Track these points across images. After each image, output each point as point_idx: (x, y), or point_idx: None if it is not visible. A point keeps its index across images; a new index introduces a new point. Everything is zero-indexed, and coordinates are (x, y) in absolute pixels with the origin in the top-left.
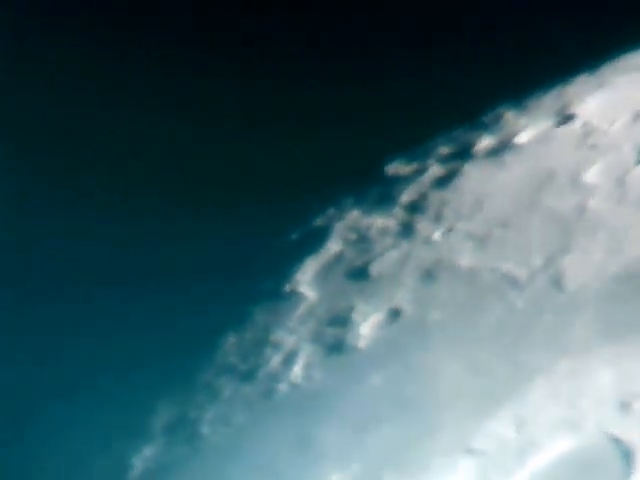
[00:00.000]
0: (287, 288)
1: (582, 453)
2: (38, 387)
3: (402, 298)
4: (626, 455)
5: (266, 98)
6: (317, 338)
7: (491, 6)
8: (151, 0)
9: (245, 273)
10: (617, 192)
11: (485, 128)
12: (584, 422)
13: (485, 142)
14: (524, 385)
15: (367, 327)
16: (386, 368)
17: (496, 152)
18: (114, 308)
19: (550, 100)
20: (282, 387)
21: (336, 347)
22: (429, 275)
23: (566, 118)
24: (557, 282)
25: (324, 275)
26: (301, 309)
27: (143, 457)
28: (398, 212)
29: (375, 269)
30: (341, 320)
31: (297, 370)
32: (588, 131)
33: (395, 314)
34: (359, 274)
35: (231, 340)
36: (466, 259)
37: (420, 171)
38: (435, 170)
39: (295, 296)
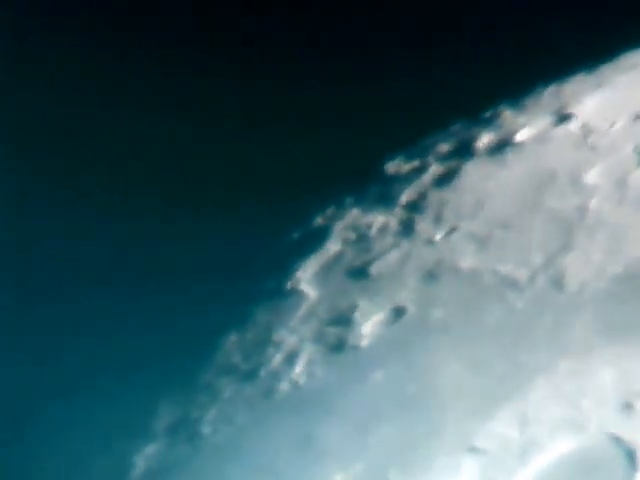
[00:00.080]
0: (288, 287)
1: (584, 453)
2: (39, 387)
3: (404, 297)
4: (629, 455)
5: (266, 98)
6: (319, 337)
7: (491, 6)
8: (151, 0)
9: (246, 272)
10: (617, 193)
11: (484, 126)
12: (586, 422)
13: (485, 140)
14: (525, 385)
15: (369, 326)
16: (388, 367)
17: (496, 151)
18: (116, 308)
19: (549, 99)
20: (284, 386)
21: (338, 346)
22: (430, 275)
23: (565, 118)
24: (558, 282)
25: (325, 274)
26: (302, 308)
27: (145, 457)
28: (398, 211)
29: (376, 268)
30: (343, 319)
31: (299, 369)
32: (588, 131)
33: (397, 313)
34: (360, 273)
35: (232, 340)
36: (467, 259)
37: (420, 169)
38: (435, 168)
39: (296, 295)
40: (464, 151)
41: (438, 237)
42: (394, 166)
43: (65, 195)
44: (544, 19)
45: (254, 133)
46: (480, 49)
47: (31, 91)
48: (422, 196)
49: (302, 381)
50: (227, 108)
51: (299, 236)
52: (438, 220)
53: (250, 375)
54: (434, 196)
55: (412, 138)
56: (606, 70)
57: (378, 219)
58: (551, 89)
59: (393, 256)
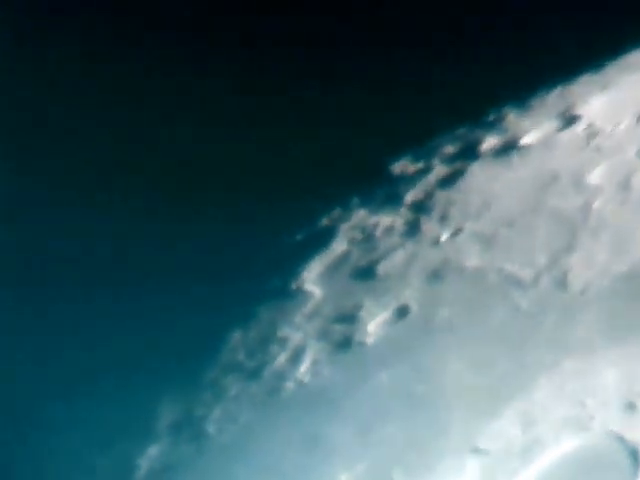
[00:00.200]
0: (294, 286)
1: (588, 452)
2: (40, 387)
3: (409, 297)
4: (632, 454)
5: (266, 98)
6: (324, 336)
7: (495, 7)
8: (151, 0)
9: (252, 272)
10: (621, 193)
11: (489, 128)
12: (590, 421)
13: (490, 142)
14: (529, 384)
15: (374, 325)
16: (393, 367)
17: (501, 152)
18: (120, 308)
19: (554, 100)
20: (289, 385)
21: (343, 344)
22: (435, 275)
23: (570, 119)
24: (562, 282)
25: (330, 273)
26: (308, 307)
27: (148, 457)
28: (404, 211)
29: (382, 268)
30: (348, 318)
31: (304, 368)
32: (592, 133)
33: (402, 313)
34: (366, 273)
35: (237, 338)
36: (472, 260)
37: (425, 170)
38: (440, 170)
39: (302, 294)
40: (469, 153)
41: (443, 238)
42: (400, 167)
43: (65, 195)
44: (548, 19)
45: (261, 134)
46: (484, 50)
47: (31, 91)
48: (427, 197)
49: (307, 380)
50: (228, 108)
51: (305, 236)
52: (443, 221)
53: (255, 373)
54: (439, 197)
55: (418, 140)
56: (611, 70)
57: (384, 219)
58: (556, 91)
59: (399, 256)
